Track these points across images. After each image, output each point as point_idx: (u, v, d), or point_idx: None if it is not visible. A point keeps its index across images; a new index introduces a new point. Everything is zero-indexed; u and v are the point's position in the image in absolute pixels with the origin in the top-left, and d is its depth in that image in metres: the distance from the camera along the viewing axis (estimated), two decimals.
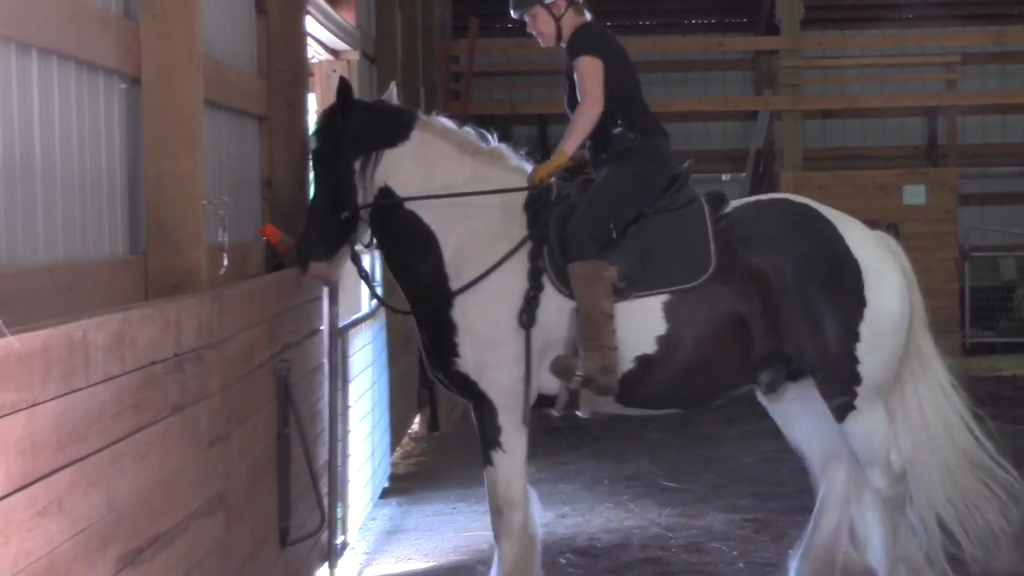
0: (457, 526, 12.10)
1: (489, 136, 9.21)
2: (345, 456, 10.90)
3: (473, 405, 8.83)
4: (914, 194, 24.17)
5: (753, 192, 25.94)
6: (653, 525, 11.84)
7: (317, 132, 9.31)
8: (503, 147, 9.13)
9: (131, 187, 7.66)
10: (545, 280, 8.64)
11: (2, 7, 5.89)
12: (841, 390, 8.63)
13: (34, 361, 4.42)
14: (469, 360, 8.71)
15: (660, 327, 8.54)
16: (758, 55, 28.09)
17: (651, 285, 8.52)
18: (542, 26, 9.11)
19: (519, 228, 8.81)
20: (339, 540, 10.63)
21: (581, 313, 8.45)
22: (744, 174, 26.99)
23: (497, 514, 8.81)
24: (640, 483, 13.39)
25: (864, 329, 8.57)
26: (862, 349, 8.57)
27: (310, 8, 11.69)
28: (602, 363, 8.42)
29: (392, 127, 9.07)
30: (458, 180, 8.93)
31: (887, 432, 8.80)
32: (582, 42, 8.97)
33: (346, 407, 10.97)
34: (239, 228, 9.71)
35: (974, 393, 9.56)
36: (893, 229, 23.79)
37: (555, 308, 8.61)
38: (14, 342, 4.25)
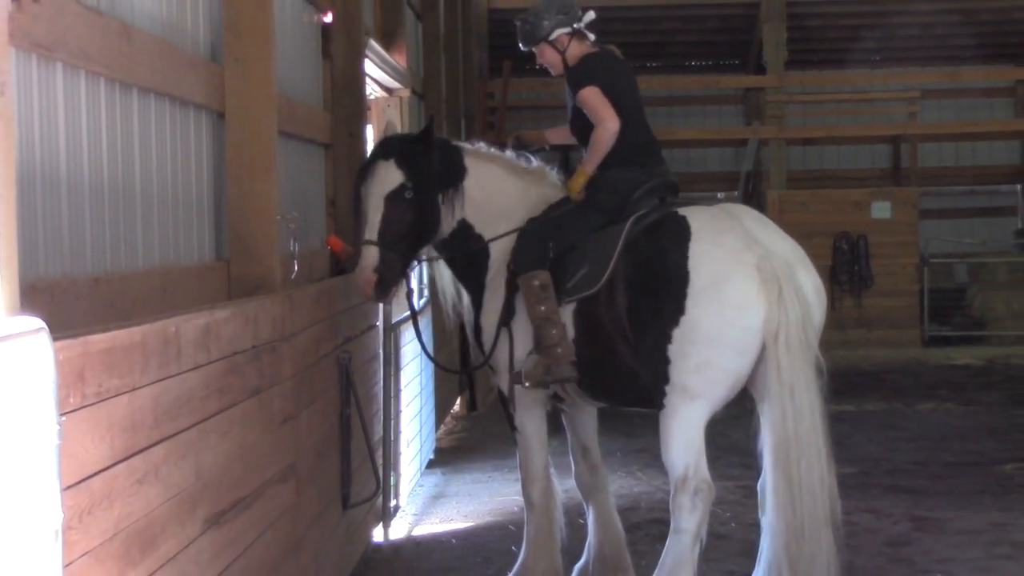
0: (492, 492, 12.10)
1: (530, 157, 8.94)
2: (397, 432, 10.91)
3: (498, 392, 8.73)
4: (881, 209, 24.13)
5: None
6: (659, 491, 11.82)
7: (407, 167, 8.34)
8: (544, 166, 8.86)
9: (216, 204, 7.69)
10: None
11: (114, 55, 5.92)
12: (653, 386, 7.80)
13: (134, 352, 4.44)
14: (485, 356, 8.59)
15: (573, 330, 8.17)
16: (748, 91, 28.03)
17: (572, 292, 8.14)
18: (549, 58, 8.82)
19: None
20: (392, 504, 10.64)
21: (529, 319, 8.23)
22: (736, 193, 26.99)
23: (522, 485, 8.74)
24: (648, 455, 13.37)
25: (676, 333, 7.61)
26: (673, 351, 7.62)
27: (368, 52, 11.71)
28: (545, 363, 8.12)
29: (458, 161, 8.62)
30: (511, 199, 8.63)
31: (690, 443, 7.73)
32: (577, 77, 8.59)
33: (398, 391, 10.98)
34: (307, 239, 9.74)
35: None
36: (863, 240, 23.84)
37: (522, 315, 8.36)
38: (120, 335, 4.27)
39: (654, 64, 28.84)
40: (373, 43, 12.13)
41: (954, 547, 9.83)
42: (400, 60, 13.97)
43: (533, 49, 8.86)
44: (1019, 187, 28.14)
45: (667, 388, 7.68)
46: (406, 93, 14.37)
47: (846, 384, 18.80)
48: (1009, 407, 16.29)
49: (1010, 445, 13.89)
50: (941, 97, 27.87)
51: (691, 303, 7.59)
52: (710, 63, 29.31)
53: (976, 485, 11.98)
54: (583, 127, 8.59)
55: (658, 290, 7.71)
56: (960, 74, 27.18)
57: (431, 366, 13.27)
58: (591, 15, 8.87)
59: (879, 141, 27.51)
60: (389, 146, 8.49)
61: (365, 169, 8.41)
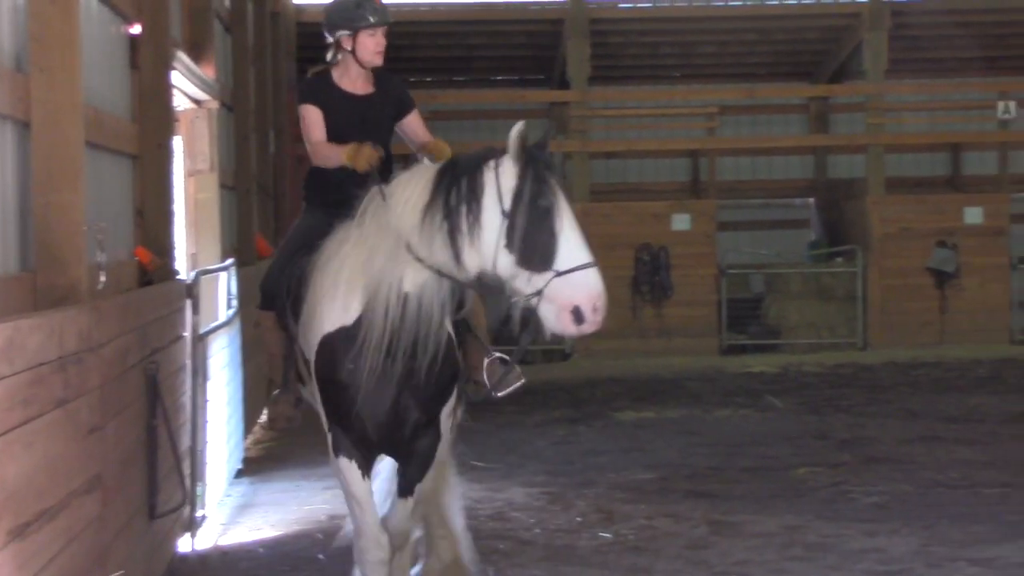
0: (300, 501, 12.03)
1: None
2: (204, 442, 10.80)
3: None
4: (681, 221, 24.50)
5: None
6: (464, 498, 11.86)
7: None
8: None
9: (22, 215, 7.56)
10: None
11: None
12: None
13: None
14: None
15: None
16: (552, 106, 28.24)
17: None
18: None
19: None
20: (199, 514, 10.53)
21: None
22: None
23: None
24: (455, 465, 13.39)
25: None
26: None
27: (176, 64, 11.59)
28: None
29: None
30: None
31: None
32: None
33: (205, 401, 10.87)
34: (115, 250, 9.60)
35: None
36: (664, 251, 24.17)
37: None
38: None
39: (461, 78, 28.99)
40: (181, 55, 12.00)
41: (750, 549, 10.01)
42: (208, 72, 13.83)
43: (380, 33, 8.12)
44: (812, 201, 28.75)
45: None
46: (215, 105, 14.23)
47: (647, 391, 19.05)
48: (802, 413, 16.63)
49: (803, 450, 14.19)
50: (738, 113, 28.35)
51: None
52: (516, 78, 29.51)
53: (771, 489, 12.21)
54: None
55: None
56: (756, 91, 27.68)
57: (239, 377, 13.17)
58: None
59: (679, 155, 27.92)
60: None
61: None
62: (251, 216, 17.26)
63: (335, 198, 7.70)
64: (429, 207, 6.95)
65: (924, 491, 12.01)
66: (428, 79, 28.77)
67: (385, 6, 8.13)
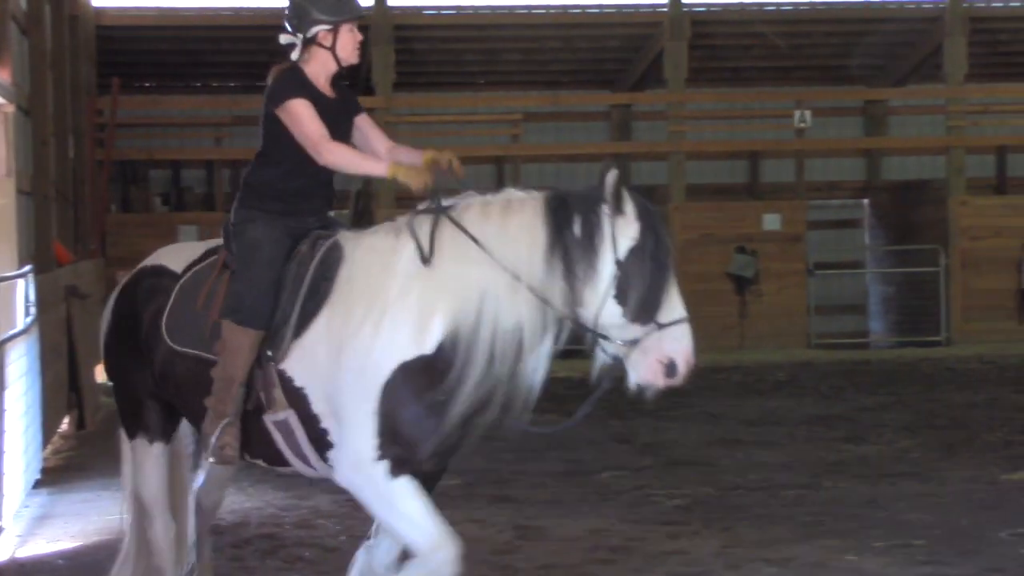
0: (101, 511, 11.81)
1: None
2: (0, 452, 10.56)
3: None
4: None
5: (354, 227, 26.03)
6: (269, 506, 11.78)
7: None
8: None
9: None
10: None
11: None
12: None
13: None
14: None
15: None
16: None
17: None
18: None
19: None
20: None
21: None
22: (346, 211, 27.08)
23: None
24: (258, 471, 13.26)
25: None
26: None
27: None
28: None
29: None
30: None
31: None
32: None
33: (1, 410, 10.63)
34: None
35: None
36: None
37: None
38: None
39: (263, 83, 28.68)
40: None
41: (555, 554, 10.08)
42: (4, 75, 13.55)
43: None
44: None
45: None
46: (11, 108, 13.96)
47: None
48: (605, 417, 16.78)
49: (607, 454, 14.34)
50: (543, 120, 28.54)
51: None
52: None
53: (575, 493, 12.31)
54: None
55: None
56: (560, 98, 27.95)
57: (38, 385, 12.91)
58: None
59: (484, 162, 28.02)
60: None
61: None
62: (49, 222, 16.95)
63: (286, 208, 7.39)
64: (548, 246, 6.82)
65: (724, 493, 12.20)
66: (231, 84, 28.55)
67: None
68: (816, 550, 9.99)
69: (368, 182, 26.94)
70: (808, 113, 26.76)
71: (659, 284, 6.80)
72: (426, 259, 6.94)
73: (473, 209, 7.14)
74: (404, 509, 7.08)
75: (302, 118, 7.33)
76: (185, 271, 7.52)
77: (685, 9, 26.65)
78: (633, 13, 27.52)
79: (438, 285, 6.88)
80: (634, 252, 6.77)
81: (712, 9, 27.70)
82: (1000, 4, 28.56)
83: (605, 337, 6.83)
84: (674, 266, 6.89)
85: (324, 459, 7.11)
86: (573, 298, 6.81)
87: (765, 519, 11.08)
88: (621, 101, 28.93)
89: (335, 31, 7.41)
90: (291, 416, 7.07)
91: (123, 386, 7.73)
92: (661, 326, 6.82)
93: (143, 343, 7.50)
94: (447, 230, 7.03)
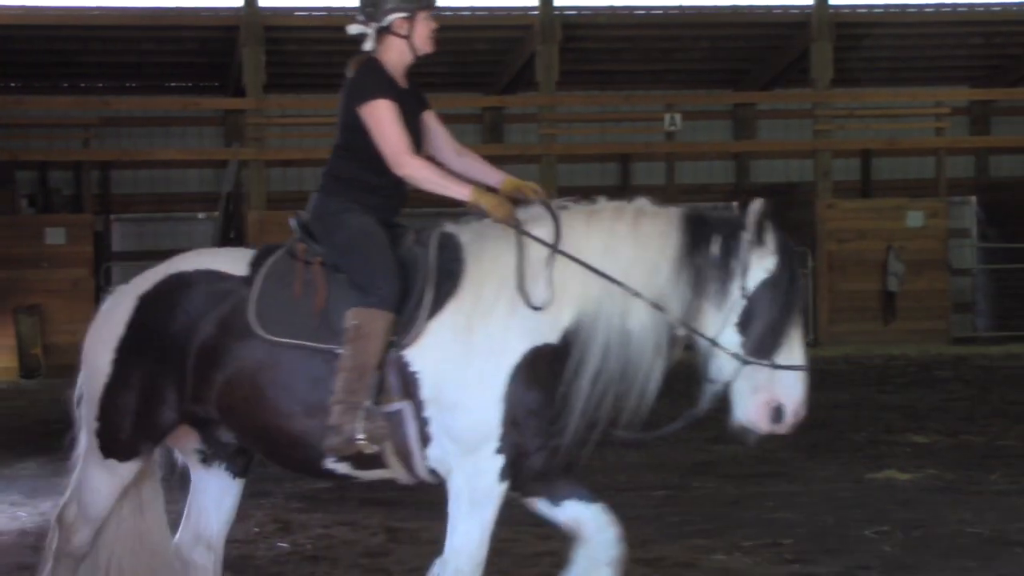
0: (8, 515, 11.67)
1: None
2: None
3: None
4: None
5: (224, 229, 25.96)
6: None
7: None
8: None
9: None
10: None
11: None
12: None
13: None
14: None
15: None
16: (228, 113, 28.04)
17: None
18: None
19: None
20: None
21: None
22: (217, 213, 26.92)
23: None
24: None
25: None
26: None
27: None
28: None
29: None
30: None
31: None
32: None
33: None
34: None
35: None
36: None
37: None
38: None
39: (132, 84, 28.54)
40: None
41: (428, 556, 9.99)
42: None
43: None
44: None
45: None
46: None
47: None
48: None
49: None
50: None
51: None
52: (190, 84, 29.18)
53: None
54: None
55: None
56: (430, 100, 27.90)
57: None
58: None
59: None
60: None
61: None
62: None
63: (377, 202, 7.17)
64: (679, 257, 6.72)
65: (595, 494, 12.27)
66: (99, 84, 28.28)
67: None
68: (685, 550, 10.09)
69: (239, 184, 26.79)
70: (678, 116, 27.01)
71: (785, 323, 6.72)
72: (554, 248, 6.85)
73: (606, 211, 7.06)
74: (481, 518, 7.34)
75: (384, 122, 7.10)
76: (253, 269, 7.07)
77: (556, 12, 26.81)
78: (504, 16, 27.64)
79: (565, 276, 6.80)
80: (766, 284, 6.69)
81: (583, 12, 27.90)
82: (865, 10, 29.08)
83: (727, 351, 6.76)
84: (801, 310, 6.84)
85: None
86: (695, 314, 6.75)
87: (634, 519, 11.15)
88: (492, 104, 29.03)
89: (412, 19, 7.16)
90: (406, 408, 6.84)
91: (117, 403, 7.05)
92: (777, 367, 6.75)
93: (185, 355, 6.95)
94: (576, 227, 6.99)
